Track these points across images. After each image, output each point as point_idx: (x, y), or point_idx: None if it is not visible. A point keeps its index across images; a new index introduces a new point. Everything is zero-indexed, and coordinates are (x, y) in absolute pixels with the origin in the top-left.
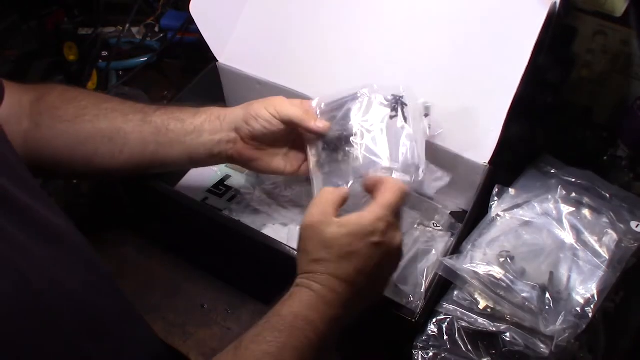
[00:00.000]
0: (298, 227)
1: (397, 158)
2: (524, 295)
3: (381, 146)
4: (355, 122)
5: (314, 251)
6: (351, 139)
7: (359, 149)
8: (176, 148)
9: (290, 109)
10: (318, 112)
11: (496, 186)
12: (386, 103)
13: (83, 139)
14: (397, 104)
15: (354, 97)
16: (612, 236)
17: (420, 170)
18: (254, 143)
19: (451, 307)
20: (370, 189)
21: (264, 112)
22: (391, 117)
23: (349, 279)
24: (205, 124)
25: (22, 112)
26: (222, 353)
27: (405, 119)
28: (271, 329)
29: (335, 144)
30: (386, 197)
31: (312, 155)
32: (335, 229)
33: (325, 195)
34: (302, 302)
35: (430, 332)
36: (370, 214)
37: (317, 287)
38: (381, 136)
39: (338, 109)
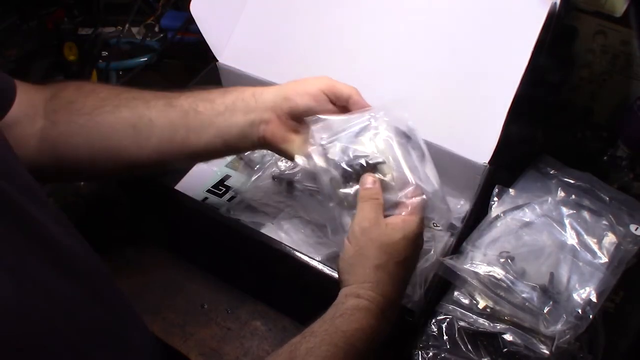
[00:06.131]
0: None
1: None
2: (524, 295)
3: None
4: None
5: (375, 256)
6: (377, 165)
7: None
8: (207, 131)
9: (343, 87)
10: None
11: (496, 186)
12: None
13: (104, 132)
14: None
15: (364, 127)
16: (611, 239)
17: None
18: (291, 123)
19: (451, 307)
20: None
21: (313, 88)
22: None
23: (402, 285)
24: (238, 102)
25: (35, 112)
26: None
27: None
28: (330, 344)
29: (357, 169)
30: (418, 201)
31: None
32: (391, 232)
33: (371, 202)
34: (366, 320)
35: (430, 332)
36: (415, 217)
37: (380, 300)
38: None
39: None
